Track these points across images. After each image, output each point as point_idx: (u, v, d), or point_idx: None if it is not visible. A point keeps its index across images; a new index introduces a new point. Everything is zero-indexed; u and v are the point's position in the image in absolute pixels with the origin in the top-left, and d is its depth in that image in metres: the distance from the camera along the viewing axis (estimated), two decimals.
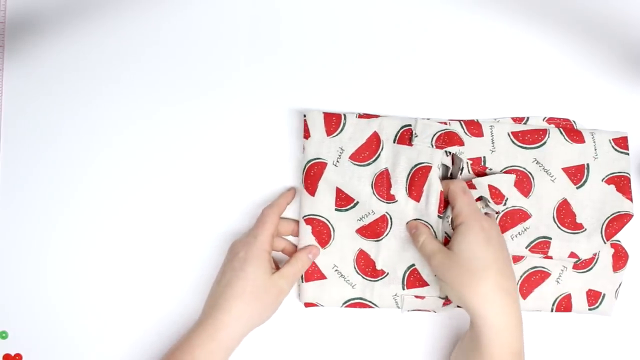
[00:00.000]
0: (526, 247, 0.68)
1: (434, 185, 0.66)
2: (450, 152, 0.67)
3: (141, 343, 0.68)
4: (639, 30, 0.71)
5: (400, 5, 0.71)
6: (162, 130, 0.69)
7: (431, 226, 0.66)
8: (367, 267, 0.67)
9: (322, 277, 0.67)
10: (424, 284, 0.67)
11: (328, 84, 0.70)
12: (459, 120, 0.69)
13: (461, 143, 0.67)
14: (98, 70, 0.70)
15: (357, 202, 0.67)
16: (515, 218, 0.68)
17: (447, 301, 0.67)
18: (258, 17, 0.70)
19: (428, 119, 0.69)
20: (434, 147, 0.67)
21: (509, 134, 0.68)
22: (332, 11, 0.71)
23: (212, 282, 0.65)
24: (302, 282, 0.67)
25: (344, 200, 0.67)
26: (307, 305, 0.67)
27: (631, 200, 0.68)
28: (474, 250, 0.60)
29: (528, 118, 0.70)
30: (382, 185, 0.67)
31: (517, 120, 0.70)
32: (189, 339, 0.59)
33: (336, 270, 0.67)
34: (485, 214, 0.66)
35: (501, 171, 0.68)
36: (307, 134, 0.67)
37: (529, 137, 0.69)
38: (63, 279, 0.68)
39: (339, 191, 0.67)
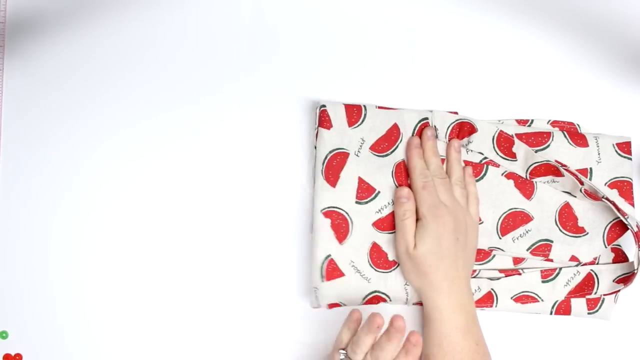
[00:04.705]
0: (527, 250, 0.68)
1: None
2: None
3: (141, 343, 0.68)
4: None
5: (406, 8, 0.71)
6: (163, 129, 0.69)
7: None
8: (379, 259, 0.67)
9: (341, 274, 0.66)
10: None
11: (337, 79, 0.70)
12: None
13: (471, 132, 0.68)
14: (98, 70, 0.69)
15: (379, 192, 0.67)
16: (517, 220, 0.68)
17: None
18: (263, 11, 0.70)
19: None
20: (447, 142, 0.68)
21: (513, 136, 0.68)
22: (341, 7, 0.71)
23: (218, 282, 0.67)
24: (323, 281, 0.66)
25: (365, 191, 0.67)
26: (331, 306, 0.66)
27: (633, 205, 0.68)
28: (427, 248, 0.63)
29: (532, 120, 0.70)
30: (401, 174, 0.67)
31: (522, 122, 0.70)
32: None
33: (353, 266, 0.66)
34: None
35: (503, 174, 0.68)
36: (328, 125, 0.67)
37: (533, 140, 0.68)
38: (63, 279, 0.68)
39: (361, 181, 0.67)
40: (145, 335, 0.68)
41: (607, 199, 0.65)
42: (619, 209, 0.65)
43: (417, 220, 0.65)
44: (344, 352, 0.61)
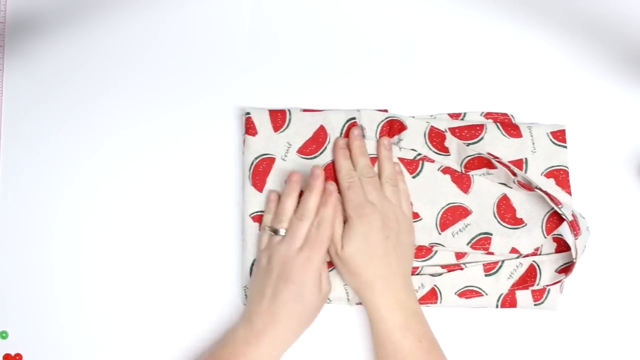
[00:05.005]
0: (467, 244, 0.68)
1: None
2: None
3: (141, 343, 0.68)
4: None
5: (405, 10, 0.72)
6: (163, 128, 0.70)
7: None
8: None
9: None
10: None
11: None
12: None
13: (401, 129, 0.68)
14: (98, 70, 0.69)
15: None
16: (455, 215, 0.68)
17: None
18: (263, 12, 0.71)
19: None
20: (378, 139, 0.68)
21: (446, 130, 0.68)
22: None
23: (209, 282, 0.68)
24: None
25: None
26: None
27: (570, 194, 0.68)
28: (355, 249, 0.63)
29: (465, 113, 0.70)
30: (330, 176, 0.67)
31: (454, 116, 0.70)
32: (245, 350, 0.60)
33: None
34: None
35: (439, 169, 0.68)
36: (253, 131, 0.67)
37: (466, 133, 0.68)
38: (63, 279, 0.68)
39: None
40: (144, 335, 0.68)
41: (539, 189, 0.65)
42: (552, 199, 0.64)
43: (345, 221, 0.65)
44: (268, 226, 0.64)
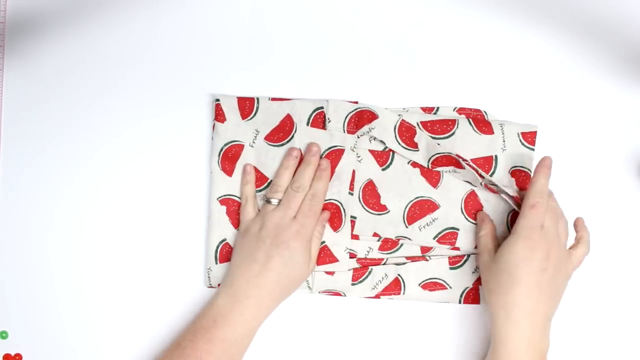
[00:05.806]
0: (434, 238, 0.68)
1: (346, 166, 0.68)
2: (359, 135, 0.68)
3: (141, 343, 0.68)
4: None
5: (403, 12, 0.71)
6: (164, 128, 0.69)
7: (341, 204, 0.68)
8: None
9: None
10: (333, 259, 0.68)
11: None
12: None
13: (371, 119, 0.67)
14: (98, 70, 0.69)
15: (271, 181, 0.68)
16: (423, 209, 0.68)
17: (355, 277, 0.68)
18: (262, 12, 0.70)
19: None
20: (346, 132, 0.68)
21: (418, 124, 0.68)
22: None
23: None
24: (217, 263, 0.68)
25: (258, 180, 0.68)
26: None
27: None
28: (506, 265, 0.61)
29: (438, 108, 0.69)
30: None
31: (427, 110, 0.69)
32: (227, 316, 0.62)
33: None
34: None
35: (409, 163, 0.68)
36: (222, 118, 0.68)
37: (438, 127, 0.68)
38: (63, 279, 0.68)
39: (256, 171, 0.69)
40: (144, 335, 0.68)
41: (505, 193, 0.65)
42: (518, 202, 0.65)
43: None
44: (263, 195, 0.67)
